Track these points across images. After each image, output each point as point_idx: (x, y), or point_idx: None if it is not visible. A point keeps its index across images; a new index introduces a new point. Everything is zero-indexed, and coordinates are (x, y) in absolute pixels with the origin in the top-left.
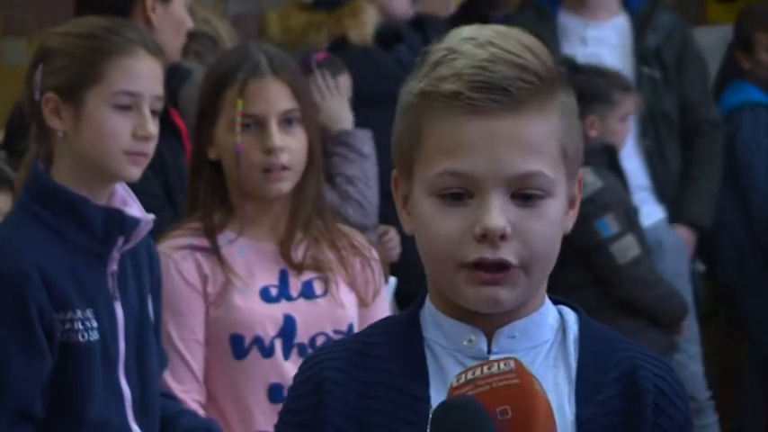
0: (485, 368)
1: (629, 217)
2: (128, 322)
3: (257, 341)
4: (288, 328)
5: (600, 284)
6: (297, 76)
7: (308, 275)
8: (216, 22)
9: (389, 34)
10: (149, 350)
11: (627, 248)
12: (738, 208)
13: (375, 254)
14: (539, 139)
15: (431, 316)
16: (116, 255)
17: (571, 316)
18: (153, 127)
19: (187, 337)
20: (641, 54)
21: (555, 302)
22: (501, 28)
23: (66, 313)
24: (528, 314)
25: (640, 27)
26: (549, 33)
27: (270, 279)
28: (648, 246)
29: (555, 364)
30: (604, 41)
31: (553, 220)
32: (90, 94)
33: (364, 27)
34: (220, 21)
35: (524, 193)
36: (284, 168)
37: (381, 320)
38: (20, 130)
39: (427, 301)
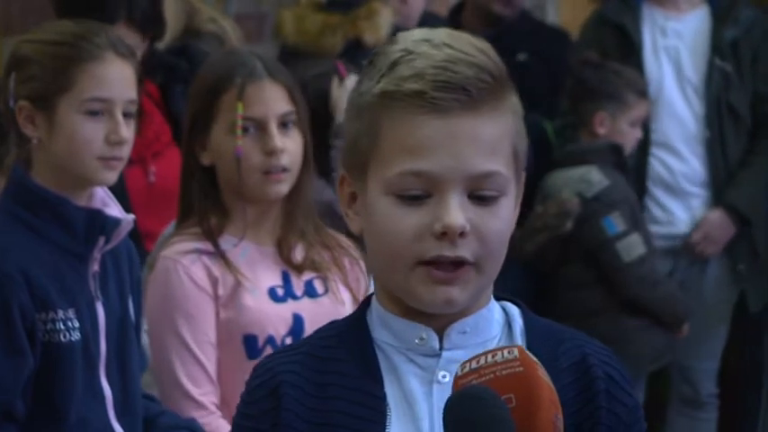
0: (489, 356)
1: (635, 216)
2: (109, 323)
3: (270, 341)
4: (297, 327)
5: (604, 283)
6: (291, 80)
7: (307, 275)
8: (223, 22)
9: None
10: (131, 350)
11: (632, 247)
12: None
13: (358, 254)
14: (495, 138)
15: (378, 317)
16: (97, 255)
17: (514, 310)
18: (126, 131)
19: (201, 340)
20: (716, 46)
21: (497, 299)
22: (451, 30)
23: (48, 313)
24: (477, 310)
25: (720, 20)
26: (632, 23)
27: (274, 280)
28: (654, 246)
29: None
30: (683, 33)
31: (507, 218)
32: (61, 102)
33: (379, 29)
34: (227, 20)
35: (481, 195)
36: (284, 170)
37: (328, 324)
38: None
39: (374, 302)
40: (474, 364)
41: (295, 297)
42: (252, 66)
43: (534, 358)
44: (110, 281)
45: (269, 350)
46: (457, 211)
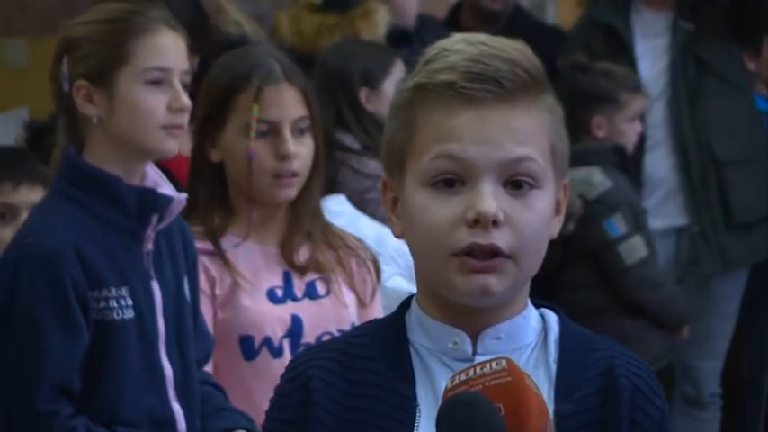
0: (477, 369)
1: (638, 217)
2: (166, 301)
3: (267, 342)
4: (295, 328)
5: (605, 284)
6: (307, 84)
7: (310, 276)
8: (247, 25)
9: (399, 35)
10: (187, 331)
11: (634, 249)
12: None
13: (369, 254)
14: (529, 130)
15: (416, 319)
16: (151, 234)
17: (552, 318)
18: (186, 99)
19: None
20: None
21: (536, 306)
22: (491, 36)
23: (100, 291)
24: (512, 317)
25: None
26: (622, 23)
27: (274, 280)
28: (655, 248)
29: (536, 365)
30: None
31: (541, 212)
32: (121, 76)
33: (377, 28)
34: (251, 22)
35: (516, 180)
36: (294, 175)
37: (367, 323)
38: None
39: (414, 304)
40: (463, 377)
41: (295, 298)
42: (270, 67)
43: (522, 369)
44: (165, 260)
45: (265, 351)
46: (489, 199)
